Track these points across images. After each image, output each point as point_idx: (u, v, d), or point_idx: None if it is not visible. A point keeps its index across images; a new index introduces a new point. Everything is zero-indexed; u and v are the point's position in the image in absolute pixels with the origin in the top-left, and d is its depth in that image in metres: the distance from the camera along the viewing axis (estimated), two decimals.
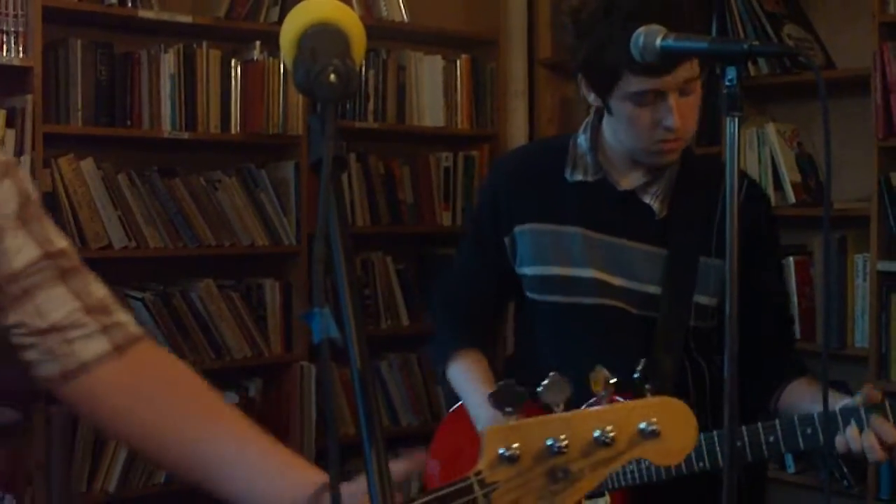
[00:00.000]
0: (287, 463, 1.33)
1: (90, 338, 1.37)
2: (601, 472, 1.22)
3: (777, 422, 1.92)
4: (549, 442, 1.19)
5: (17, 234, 1.35)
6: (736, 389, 1.52)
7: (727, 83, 1.53)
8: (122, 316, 1.41)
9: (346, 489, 1.16)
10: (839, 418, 1.88)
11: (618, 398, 1.29)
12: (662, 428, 1.23)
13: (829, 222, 2.27)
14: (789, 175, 4.00)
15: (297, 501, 1.24)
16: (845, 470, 3.71)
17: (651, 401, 1.26)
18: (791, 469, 4.01)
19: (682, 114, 1.98)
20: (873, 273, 3.69)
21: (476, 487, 1.19)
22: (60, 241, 1.40)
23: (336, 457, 0.80)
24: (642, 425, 1.23)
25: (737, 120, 1.53)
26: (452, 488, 1.19)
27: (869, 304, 3.73)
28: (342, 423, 4.10)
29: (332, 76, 0.96)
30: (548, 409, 1.24)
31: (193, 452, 1.34)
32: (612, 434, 1.21)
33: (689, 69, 1.95)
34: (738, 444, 1.91)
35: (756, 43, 1.56)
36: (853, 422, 1.85)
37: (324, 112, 0.93)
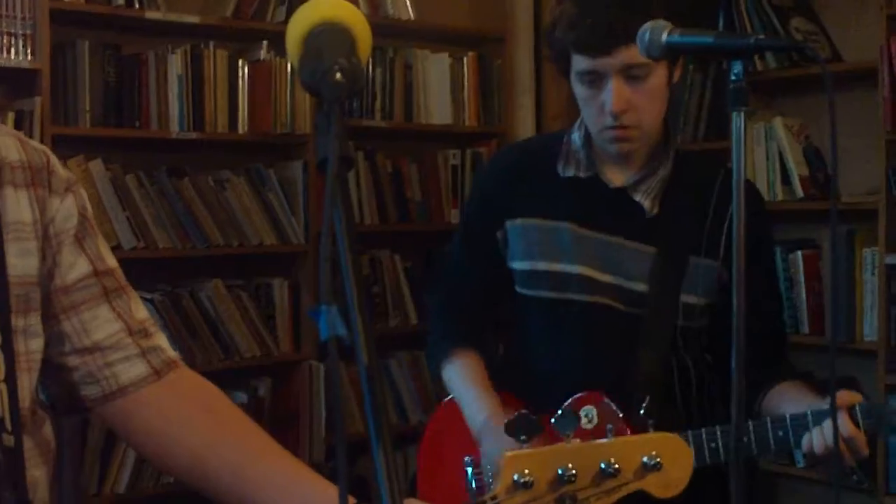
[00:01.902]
0: (320, 485, 1.36)
1: (129, 361, 1.42)
2: (605, 501, 1.34)
3: (749, 423, 1.90)
4: (560, 471, 1.30)
5: (72, 249, 1.40)
6: (744, 386, 1.51)
7: (733, 77, 1.52)
8: (161, 340, 1.47)
9: None
10: (809, 419, 1.87)
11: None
12: (663, 462, 1.35)
13: (837, 216, 2.26)
14: (797, 169, 4.00)
15: None
16: (855, 465, 3.71)
17: (653, 436, 1.38)
18: (800, 464, 4.01)
19: (627, 100, 1.97)
20: (882, 267, 3.69)
21: None
22: (111, 260, 1.45)
23: (343, 455, 0.80)
24: (645, 459, 1.35)
25: (743, 114, 1.52)
26: None
27: (877, 298, 3.73)
28: (351, 422, 4.11)
29: (338, 75, 0.96)
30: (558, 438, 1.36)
31: (230, 475, 1.38)
32: (616, 466, 1.32)
33: (630, 53, 1.92)
34: (713, 445, 1.90)
35: (762, 37, 1.56)
36: (822, 423, 1.84)
37: (330, 111, 0.93)
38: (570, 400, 2.02)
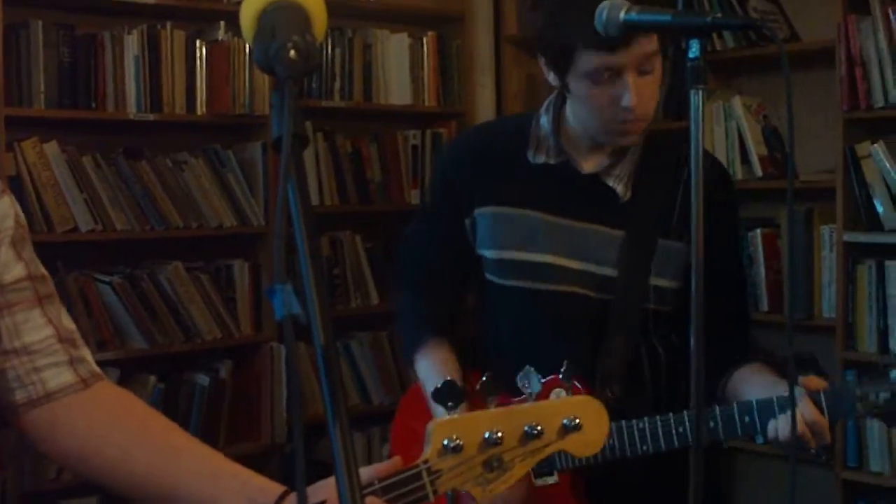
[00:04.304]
0: (247, 476, 1.37)
1: (58, 367, 1.42)
2: (530, 462, 1.39)
3: (717, 408, 1.91)
4: (487, 434, 1.35)
5: (9, 250, 1.40)
6: (703, 370, 1.52)
7: (691, 56, 1.53)
8: (87, 354, 1.47)
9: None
10: (776, 406, 1.88)
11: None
12: (583, 422, 1.40)
13: (795, 194, 2.28)
14: (756, 148, 4.03)
15: None
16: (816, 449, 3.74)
17: (571, 399, 1.44)
18: (760, 440, 4.04)
19: (640, 93, 1.91)
20: (839, 244, 3.72)
21: (424, 475, 1.33)
22: (42, 269, 1.46)
23: (300, 434, 0.80)
24: (565, 421, 1.40)
25: (701, 93, 1.52)
26: (404, 475, 1.33)
27: (835, 275, 3.76)
28: (312, 403, 4.10)
29: (292, 52, 0.95)
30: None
31: (158, 469, 1.39)
32: (539, 427, 1.38)
33: (647, 44, 1.88)
34: (681, 430, 1.91)
35: (720, 16, 1.56)
36: (787, 411, 1.83)
37: (284, 89, 0.92)
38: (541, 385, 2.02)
